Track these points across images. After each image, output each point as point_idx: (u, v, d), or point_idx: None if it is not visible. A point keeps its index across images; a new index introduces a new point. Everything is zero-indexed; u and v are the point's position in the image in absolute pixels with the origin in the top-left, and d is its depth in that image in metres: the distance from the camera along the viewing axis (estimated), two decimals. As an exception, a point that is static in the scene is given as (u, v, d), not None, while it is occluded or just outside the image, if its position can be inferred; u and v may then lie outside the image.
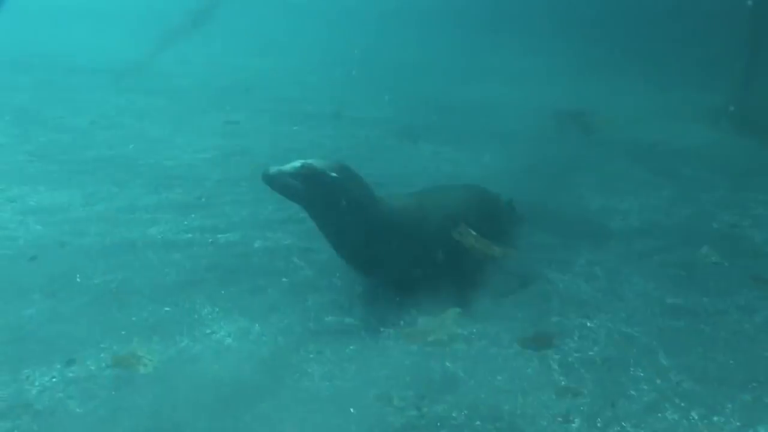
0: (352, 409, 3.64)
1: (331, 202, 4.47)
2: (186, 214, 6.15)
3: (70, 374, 3.82)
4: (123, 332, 4.26)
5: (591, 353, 4.31)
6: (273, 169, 4.42)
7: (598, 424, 3.62)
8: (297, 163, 4.43)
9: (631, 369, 4.15)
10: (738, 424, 3.66)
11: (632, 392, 3.92)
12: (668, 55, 14.92)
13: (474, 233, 4.93)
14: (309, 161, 4.45)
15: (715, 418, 3.70)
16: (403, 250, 4.73)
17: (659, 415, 3.72)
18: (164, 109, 10.12)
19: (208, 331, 4.34)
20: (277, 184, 4.42)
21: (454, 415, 3.66)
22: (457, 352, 4.26)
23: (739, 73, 10.99)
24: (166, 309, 4.57)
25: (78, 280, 4.87)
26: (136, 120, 9.38)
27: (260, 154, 8.09)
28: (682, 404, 3.81)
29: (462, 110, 11.22)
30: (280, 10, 20.16)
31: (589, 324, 4.66)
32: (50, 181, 6.75)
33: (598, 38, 16.59)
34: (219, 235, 5.77)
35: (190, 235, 5.73)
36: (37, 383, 3.73)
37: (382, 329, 4.45)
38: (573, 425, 3.61)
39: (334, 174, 4.44)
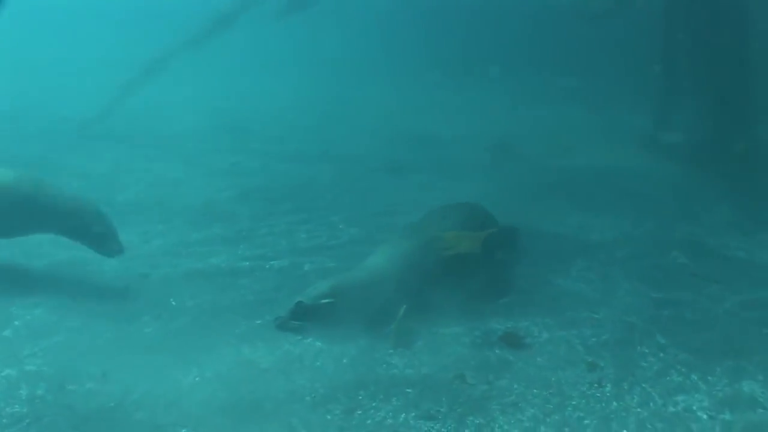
0: (439, 388, 4.68)
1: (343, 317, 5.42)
2: (235, 246, 7.10)
3: (208, 374, 4.74)
4: (233, 341, 5.19)
5: (604, 337, 5.45)
6: (288, 325, 5.38)
7: (625, 387, 4.75)
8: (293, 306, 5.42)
9: (638, 347, 5.31)
10: (726, 380, 4.84)
11: (643, 364, 5.07)
12: (602, 80, 16.15)
13: (456, 236, 6.04)
14: (300, 299, 5.41)
15: (709, 378, 4.87)
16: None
17: (668, 378, 4.87)
18: (171, 152, 10.99)
19: (299, 337, 5.30)
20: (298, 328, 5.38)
21: (515, 386, 4.73)
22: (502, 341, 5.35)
23: (659, 100, 12.36)
24: (258, 322, 5.52)
25: (173, 303, 5.77)
26: (151, 163, 10.24)
27: (275, 190, 9.09)
28: (683, 370, 4.98)
29: (431, 143, 12.41)
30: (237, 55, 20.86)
31: (596, 316, 5.82)
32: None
33: (534, 69, 17.81)
34: (272, 262, 6.73)
35: (247, 263, 6.68)
36: (185, 381, 4.64)
37: (437, 329, 5.50)
38: (606, 388, 4.73)
39: (325, 300, 5.40)
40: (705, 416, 4.41)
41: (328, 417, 4.30)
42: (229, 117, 14.02)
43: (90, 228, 5.89)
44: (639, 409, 4.48)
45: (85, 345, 5.07)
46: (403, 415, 4.36)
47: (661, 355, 5.19)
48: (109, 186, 9.06)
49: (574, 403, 4.55)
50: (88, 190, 8.76)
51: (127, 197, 8.59)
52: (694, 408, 4.50)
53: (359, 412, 4.38)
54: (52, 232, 6.07)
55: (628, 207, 8.83)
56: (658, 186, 9.91)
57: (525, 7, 17.64)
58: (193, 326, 5.43)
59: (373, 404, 4.47)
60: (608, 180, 10.13)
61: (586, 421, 4.35)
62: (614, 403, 4.55)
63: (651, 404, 4.54)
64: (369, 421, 4.28)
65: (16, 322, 5.37)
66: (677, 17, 11.68)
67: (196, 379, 4.69)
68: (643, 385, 4.77)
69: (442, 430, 4.24)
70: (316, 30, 18.51)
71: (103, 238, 5.93)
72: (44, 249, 6.73)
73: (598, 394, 4.66)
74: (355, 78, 18.19)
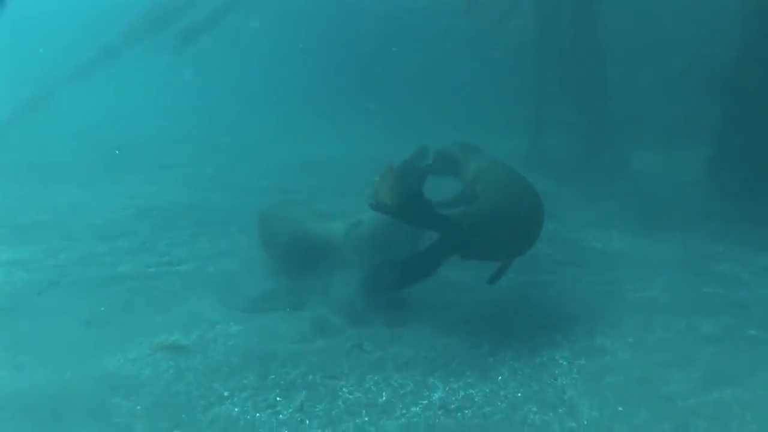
0: (340, 355, 5.33)
1: None
2: (140, 255, 7.51)
3: (131, 356, 5.20)
4: (152, 330, 5.66)
5: (482, 312, 6.26)
6: None
7: (500, 346, 5.54)
8: None
9: (511, 318, 6.13)
10: (584, 337, 5.71)
11: (515, 329, 5.89)
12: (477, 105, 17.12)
13: None
14: None
15: (570, 336, 5.73)
16: None
17: (536, 339, 5.70)
18: (63, 180, 11.20)
19: (213, 324, 5.82)
20: None
21: (406, 351, 5.44)
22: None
23: (531, 120, 13.54)
24: (173, 314, 6.00)
25: (88, 304, 6.16)
26: (45, 190, 10.44)
27: (172, 209, 9.52)
28: (548, 332, 5.82)
29: (315, 167, 13.09)
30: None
31: (475, 297, 6.62)
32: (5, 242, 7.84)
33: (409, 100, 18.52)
34: (177, 267, 7.20)
35: (153, 269, 7.13)
36: (114, 361, 5.09)
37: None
38: (484, 348, 5.51)
39: None
40: (565, 363, 5.26)
41: (245, 381, 4.87)
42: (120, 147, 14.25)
43: None
44: (512, 361, 5.29)
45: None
46: (311, 376, 4.97)
47: (530, 322, 6.03)
48: (4, 212, 9.24)
49: (457, 360, 5.30)
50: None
51: (26, 220, 8.80)
52: (557, 358, 5.35)
53: (272, 376, 4.97)
54: None
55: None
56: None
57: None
58: (117, 319, 5.88)
59: (283, 370, 5.07)
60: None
61: (467, 372, 5.12)
62: (491, 359, 5.34)
63: (522, 357, 5.36)
64: (282, 382, 4.88)
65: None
66: (549, 49, 12.92)
67: (121, 360, 5.15)
68: (515, 344, 5.58)
69: (346, 386, 4.88)
70: (203, 65, 18.88)
71: None
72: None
73: (477, 353, 5.43)
74: (240, 109, 18.73)
